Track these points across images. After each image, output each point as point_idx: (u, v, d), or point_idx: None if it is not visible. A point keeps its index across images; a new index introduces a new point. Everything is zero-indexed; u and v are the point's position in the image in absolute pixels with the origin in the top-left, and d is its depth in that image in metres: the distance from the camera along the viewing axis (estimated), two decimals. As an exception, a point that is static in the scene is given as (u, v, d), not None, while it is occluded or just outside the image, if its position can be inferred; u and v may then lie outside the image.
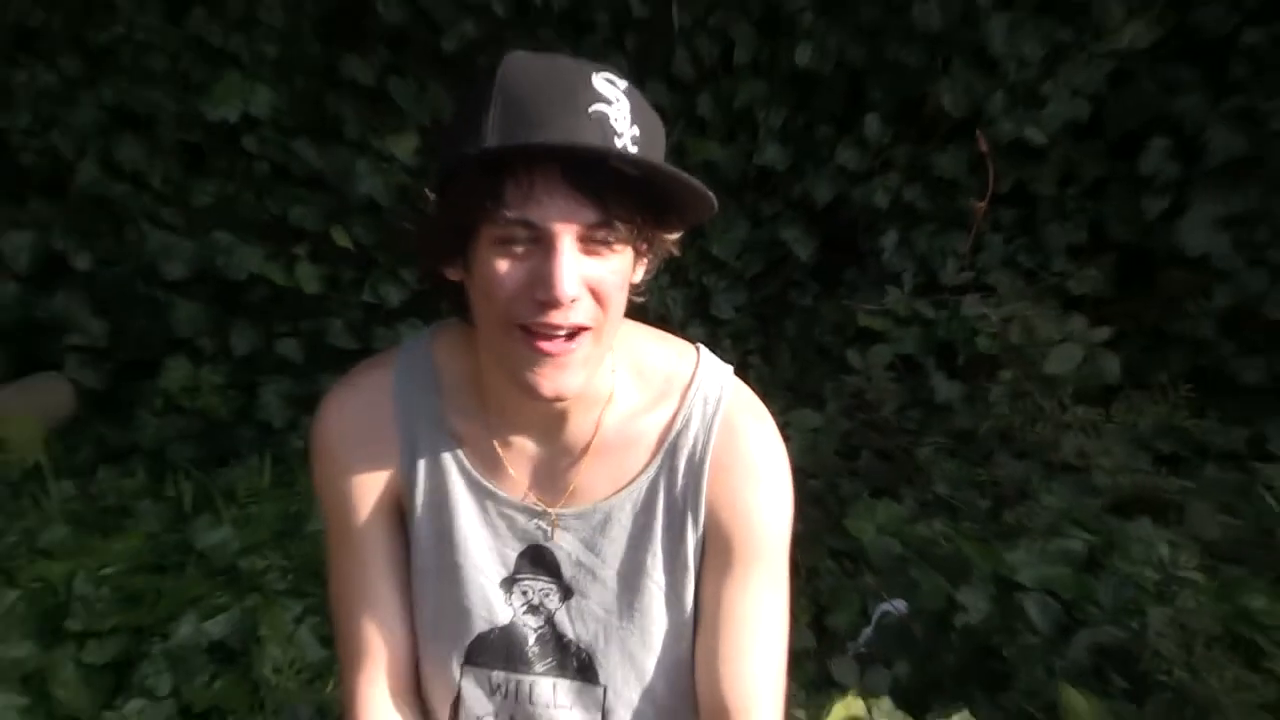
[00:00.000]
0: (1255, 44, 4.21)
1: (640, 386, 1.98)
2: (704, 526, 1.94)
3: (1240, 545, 3.26)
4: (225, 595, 3.78)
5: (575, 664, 1.99)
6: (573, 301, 1.71)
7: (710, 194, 1.71)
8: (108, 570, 3.88)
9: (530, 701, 2.00)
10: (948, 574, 3.30)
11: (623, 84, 1.73)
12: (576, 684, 1.98)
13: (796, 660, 2.31)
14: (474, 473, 1.96)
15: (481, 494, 1.96)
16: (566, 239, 1.68)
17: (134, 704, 3.38)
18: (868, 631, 3.24)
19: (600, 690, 1.98)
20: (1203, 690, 2.66)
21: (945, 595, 3.22)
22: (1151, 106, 4.38)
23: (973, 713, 2.67)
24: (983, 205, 4.37)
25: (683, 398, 1.94)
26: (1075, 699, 2.73)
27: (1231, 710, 2.64)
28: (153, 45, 4.71)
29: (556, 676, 1.99)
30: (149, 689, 3.45)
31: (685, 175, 1.69)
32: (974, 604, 3.13)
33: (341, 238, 4.59)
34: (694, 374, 1.96)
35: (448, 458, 1.98)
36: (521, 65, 1.69)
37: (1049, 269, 4.45)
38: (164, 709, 3.41)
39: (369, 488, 1.99)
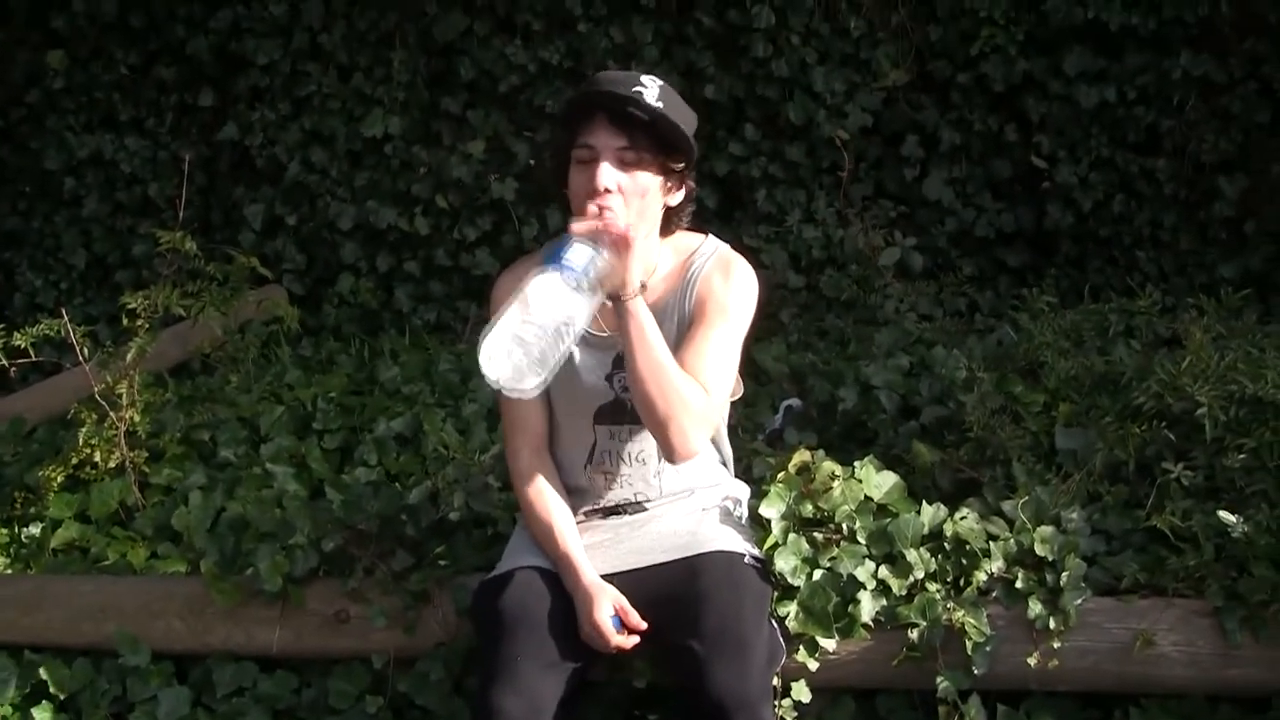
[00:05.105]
0: (964, 83, 6.23)
1: (674, 257, 2.79)
2: (691, 308, 2.72)
3: (996, 360, 4.12)
4: (401, 407, 4.70)
5: None
6: (606, 192, 2.52)
7: (689, 137, 2.56)
8: (331, 394, 4.82)
9: (631, 438, 2.82)
10: (830, 381, 4.14)
11: (660, 82, 2.57)
12: None
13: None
14: None
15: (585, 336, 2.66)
16: (606, 155, 2.54)
17: (357, 470, 4.26)
18: (776, 418, 4.00)
19: None
20: (994, 438, 3.46)
21: (829, 392, 4.04)
22: (906, 118, 6.33)
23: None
24: (843, 173, 6.30)
25: (694, 254, 2.78)
26: (920, 448, 3.50)
27: (1011, 448, 3.41)
28: (331, 95, 6.59)
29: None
30: (364, 461, 4.36)
31: (674, 120, 2.52)
32: (849, 397, 3.97)
33: (441, 201, 6.49)
34: (702, 244, 2.80)
35: None
36: (603, 71, 2.86)
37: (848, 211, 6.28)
38: (373, 473, 4.24)
39: None
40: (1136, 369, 3.71)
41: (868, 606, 2.97)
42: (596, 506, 2.90)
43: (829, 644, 2.94)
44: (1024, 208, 6.32)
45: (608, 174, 2.53)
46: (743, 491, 3.07)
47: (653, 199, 2.61)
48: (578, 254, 2.42)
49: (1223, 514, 3.05)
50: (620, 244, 2.48)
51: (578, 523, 2.85)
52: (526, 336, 2.37)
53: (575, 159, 2.60)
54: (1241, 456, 3.24)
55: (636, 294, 2.53)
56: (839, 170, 6.36)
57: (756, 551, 2.88)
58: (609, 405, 2.80)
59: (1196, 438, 3.37)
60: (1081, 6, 6.01)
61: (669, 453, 2.61)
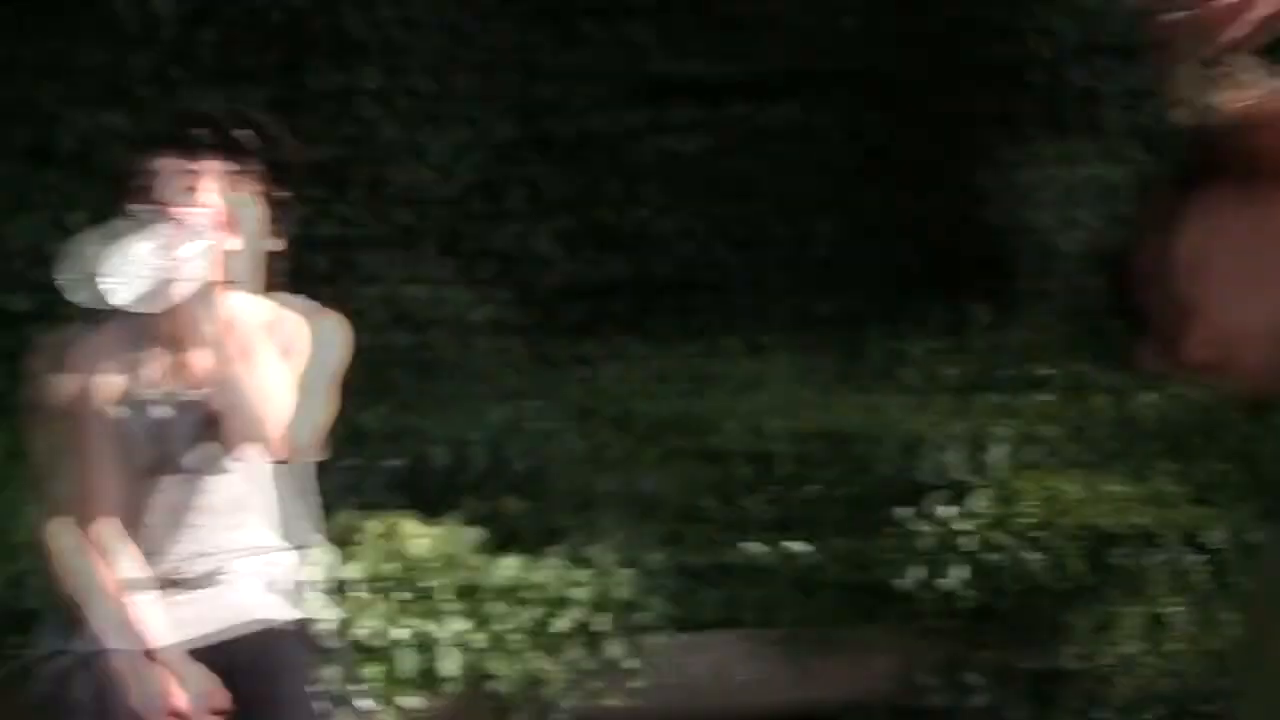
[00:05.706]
0: (569, 136, 6.40)
1: (268, 313, 2.73)
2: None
3: (589, 409, 4.28)
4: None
5: None
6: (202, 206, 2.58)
7: (249, 146, 2.67)
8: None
9: (209, 491, 2.72)
10: (426, 440, 4.10)
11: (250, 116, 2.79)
12: None
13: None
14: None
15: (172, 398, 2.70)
16: (197, 178, 2.60)
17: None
18: (367, 478, 3.75)
19: None
20: (581, 486, 3.70)
21: (425, 451, 4.00)
22: (512, 173, 6.30)
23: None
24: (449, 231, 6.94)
25: (286, 308, 2.74)
26: (508, 501, 3.64)
27: (597, 495, 3.61)
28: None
29: None
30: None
31: (240, 132, 2.66)
32: (443, 454, 3.96)
33: (41, 276, 6.79)
34: (295, 299, 2.75)
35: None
36: None
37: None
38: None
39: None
40: (719, 410, 3.85)
41: (451, 663, 2.99)
42: (171, 574, 2.76)
43: (414, 703, 2.95)
44: (627, 256, 6.48)
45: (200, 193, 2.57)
46: (326, 553, 3.02)
47: (245, 227, 2.60)
48: (187, 219, 2.51)
49: (794, 544, 3.19)
50: (219, 227, 2.52)
51: (149, 595, 2.70)
52: (134, 267, 2.44)
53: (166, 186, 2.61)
54: (815, 488, 3.40)
55: (228, 286, 2.54)
56: (446, 228, 6.39)
57: (333, 616, 2.85)
58: (191, 463, 2.70)
59: (774, 473, 3.52)
60: (679, 60, 6.22)
61: (269, 444, 2.58)
